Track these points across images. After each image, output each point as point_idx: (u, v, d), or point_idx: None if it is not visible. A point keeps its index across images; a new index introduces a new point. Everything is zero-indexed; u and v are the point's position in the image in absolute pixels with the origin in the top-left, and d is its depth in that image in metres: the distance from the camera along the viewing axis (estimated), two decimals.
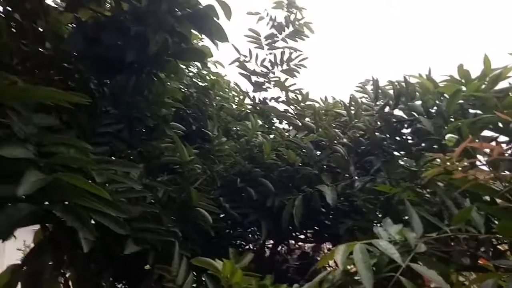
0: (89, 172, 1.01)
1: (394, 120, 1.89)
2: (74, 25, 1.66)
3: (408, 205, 1.21)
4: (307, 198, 1.88)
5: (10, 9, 1.96)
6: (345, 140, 2.00)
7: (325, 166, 1.99)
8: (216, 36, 1.40)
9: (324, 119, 2.16)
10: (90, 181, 0.92)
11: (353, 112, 2.16)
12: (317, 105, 2.59)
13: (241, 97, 2.91)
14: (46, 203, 0.88)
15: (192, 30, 1.45)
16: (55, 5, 1.98)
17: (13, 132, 0.93)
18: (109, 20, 1.47)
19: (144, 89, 1.61)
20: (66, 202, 0.88)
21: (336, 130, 2.10)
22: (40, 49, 1.78)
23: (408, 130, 1.88)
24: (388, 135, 1.89)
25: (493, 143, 1.27)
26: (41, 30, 1.73)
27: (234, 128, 2.47)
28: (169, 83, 2.22)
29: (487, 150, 0.99)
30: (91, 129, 1.38)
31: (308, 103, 2.47)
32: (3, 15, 2.03)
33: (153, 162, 2.00)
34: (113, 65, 1.45)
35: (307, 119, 2.50)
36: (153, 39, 1.43)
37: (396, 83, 1.91)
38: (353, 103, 2.35)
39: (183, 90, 2.51)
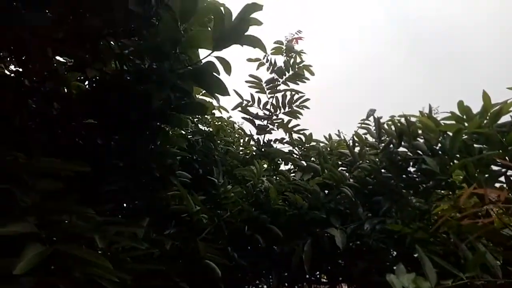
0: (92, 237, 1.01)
1: (399, 158, 1.88)
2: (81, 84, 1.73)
3: (420, 252, 1.18)
4: (316, 241, 1.86)
5: (20, 69, 2.06)
6: (351, 181, 1.99)
7: (333, 208, 1.96)
8: (216, 90, 1.44)
9: (329, 160, 2.16)
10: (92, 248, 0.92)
11: (357, 150, 2.16)
12: (321, 144, 2.61)
13: (246, 139, 2.94)
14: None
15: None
16: (64, 60, 2.08)
17: (17, 202, 0.94)
18: (114, 81, 1.53)
19: (149, 143, 1.64)
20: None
21: (342, 169, 2.09)
22: (48, 107, 1.85)
23: (414, 168, 1.88)
24: (394, 174, 1.87)
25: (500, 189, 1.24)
26: (49, 89, 1.81)
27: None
28: (174, 132, 2.27)
29: (494, 196, 0.97)
30: (96, 190, 1.39)
31: (312, 143, 2.48)
32: (12, 74, 2.13)
33: (160, 212, 2.01)
34: (119, 123, 1.49)
35: (312, 158, 2.51)
36: (156, 96, 1.48)
37: (397, 122, 1.93)
38: (357, 140, 2.36)
39: (188, 137, 2.55)
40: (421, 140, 1.83)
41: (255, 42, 1.33)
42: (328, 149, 2.62)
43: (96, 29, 1.83)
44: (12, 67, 2.18)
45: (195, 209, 1.74)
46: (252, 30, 1.36)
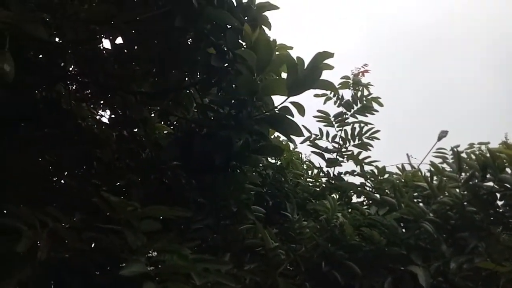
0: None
1: (484, 192, 1.78)
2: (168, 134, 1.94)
3: None
4: (397, 278, 1.80)
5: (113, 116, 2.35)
6: (431, 215, 1.91)
7: (413, 244, 1.90)
8: (292, 132, 1.53)
9: (405, 193, 2.10)
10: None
11: (434, 182, 2.09)
12: (394, 176, 2.55)
13: (315, 171, 2.97)
14: None
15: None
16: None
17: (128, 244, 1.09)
18: (198, 129, 1.70)
19: (230, 183, 1.76)
20: None
21: (421, 204, 2.03)
22: (140, 153, 2.09)
23: (502, 202, 1.76)
24: (479, 209, 1.77)
25: None
26: (141, 138, 2.05)
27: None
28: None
29: None
30: (186, 229, 1.53)
31: (385, 176, 2.44)
32: (107, 122, 2.42)
33: (237, 246, 2.10)
34: (203, 166, 1.64)
35: (386, 191, 2.46)
36: (235, 140, 1.61)
37: (479, 153, 1.84)
38: (434, 171, 2.27)
39: (260, 171, 2.66)
40: (509, 172, 1.73)
41: (328, 86, 1.40)
42: (402, 180, 2.55)
43: (178, 81, 2.05)
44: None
45: (272, 245, 1.80)
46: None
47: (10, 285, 1.10)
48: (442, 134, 2.90)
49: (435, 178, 2.27)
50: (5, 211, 1.20)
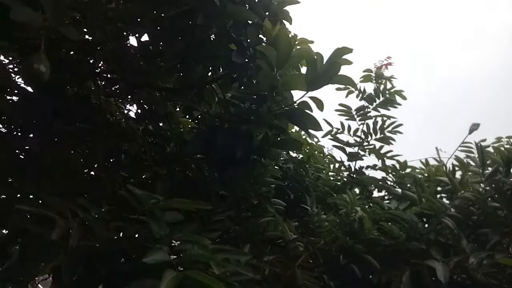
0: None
1: (508, 188, 1.75)
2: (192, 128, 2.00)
3: None
4: (416, 273, 1.80)
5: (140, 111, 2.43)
6: (453, 210, 1.90)
7: (433, 240, 1.89)
8: (310, 126, 1.55)
9: (427, 188, 2.09)
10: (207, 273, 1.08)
11: (458, 176, 2.06)
12: (417, 170, 2.52)
13: (337, 165, 2.97)
14: None
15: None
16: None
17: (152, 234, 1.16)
18: (220, 123, 1.75)
19: (250, 176, 1.81)
20: None
21: (442, 200, 2.01)
22: (165, 146, 2.17)
23: None
24: (503, 205, 1.74)
25: None
26: (166, 132, 2.13)
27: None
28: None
29: None
30: (208, 220, 1.59)
31: (407, 170, 2.42)
32: (134, 117, 2.52)
33: (257, 238, 2.16)
34: (225, 160, 1.69)
35: (408, 185, 2.44)
36: (256, 134, 1.65)
37: (503, 147, 1.81)
38: (457, 164, 2.24)
39: (281, 165, 2.70)
40: None
41: (346, 81, 1.42)
42: (425, 175, 2.52)
43: (201, 76, 2.10)
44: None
45: (291, 237, 1.85)
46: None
47: (46, 269, 1.20)
48: (474, 127, 2.79)
49: (460, 172, 2.24)
50: (40, 201, 1.30)
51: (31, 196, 1.78)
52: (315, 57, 1.40)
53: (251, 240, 2.03)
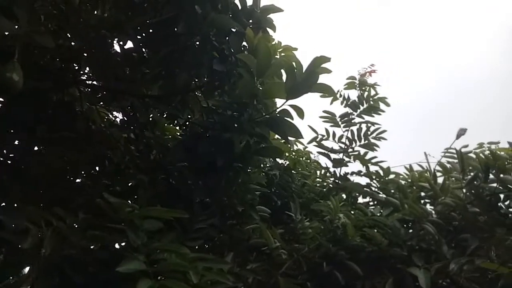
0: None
1: (487, 193, 1.77)
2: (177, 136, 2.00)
3: None
4: (398, 280, 1.81)
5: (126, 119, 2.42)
6: (434, 216, 1.92)
7: (415, 246, 1.90)
8: (290, 134, 1.56)
9: (409, 194, 2.11)
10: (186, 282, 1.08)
11: (441, 181, 2.08)
12: (401, 176, 2.55)
13: (323, 171, 2.99)
14: None
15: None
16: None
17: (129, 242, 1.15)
18: (203, 131, 1.75)
19: (233, 183, 1.81)
20: None
21: (424, 206, 2.03)
22: (149, 154, 2.15)
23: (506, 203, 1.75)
24: (482, 210, 1.76)
25: None
26: (149, 139, 2.12)
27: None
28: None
29: None
30: (190, 228, 1.58)
31: (391, 176, 2.44)
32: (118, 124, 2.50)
33: (242, 245, 2.15)
34: (207, 166, 1.69)
35: (392, 190, 2.46)
36: (237, 142, 1.65)
37: (481, 155, 1.84)
38: (440, 170, 2.28)
39: (267, 171, 2.70)
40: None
41: (326, 90, 1.43)
42: (409, 180, 2.54)
43: (185, 84, 2.11)
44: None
45: (274, 245, 1.84)
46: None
47: (28, 279, 1.18)
48: (461, 132, 2.82)
49: (443, 178, 2.27)
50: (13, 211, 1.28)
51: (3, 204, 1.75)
52: (294, 65, 1.41)
53: (236, 248, 2.02)
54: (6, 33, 1.16)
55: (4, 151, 2.27)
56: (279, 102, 1.67)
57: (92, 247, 1.18)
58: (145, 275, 1.02)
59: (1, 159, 2.16)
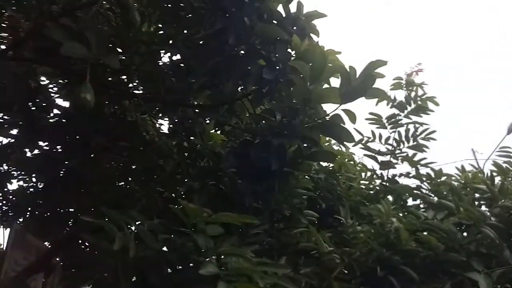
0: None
1: None
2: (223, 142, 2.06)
3: None
4: (457, 285, 1.76)
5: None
6: (493, 219, 1.84)
7: (473, 250, 1.84)
8: (344, 139, 1.57)
9: (464, 196, 2.04)
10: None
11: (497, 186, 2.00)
12: (453, 178, 2.47)
13: (368, 173, 2.94)
14: None
15: None
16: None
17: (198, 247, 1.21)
18: (252, 138, 1.79)
19: (284, 189, 1.84)
20: None
21: (483, 208, 1.96)
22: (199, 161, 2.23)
23: None
24: None
25: None
26: (199, 147, 2.20)
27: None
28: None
29: None
30: (246, 233, 1.63)
31: (443, 178, 2.37)
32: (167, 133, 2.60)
33: (290, 249, 2.17)
34: (259, 173, 1.73)
35: (444, 192, 2.39)
36: (289, 147, 1.68)
37: None
38: (495, 170, 2.18)
39: (312, 175, 2.70)
40: None
41: (381, 95, 1.43)
42: (462, 182, 2.46)
43: (232, 92, 2.16)
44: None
45: (327, 249, 1.85)
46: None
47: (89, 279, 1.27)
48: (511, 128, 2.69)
49: (499, 179, 2.17)
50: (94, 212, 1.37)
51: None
52: (349, 70, 1.42)
53: (285, 252, 2.05)
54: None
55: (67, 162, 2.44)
56: (329, 106, 1.68)
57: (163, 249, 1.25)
58: (218, 278, 1.07)
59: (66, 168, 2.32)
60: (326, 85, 1.63)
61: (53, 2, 1.89)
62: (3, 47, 2.22)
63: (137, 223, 1.19)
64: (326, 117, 1.59)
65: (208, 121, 2.46)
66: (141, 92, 2.41)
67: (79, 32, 1.26)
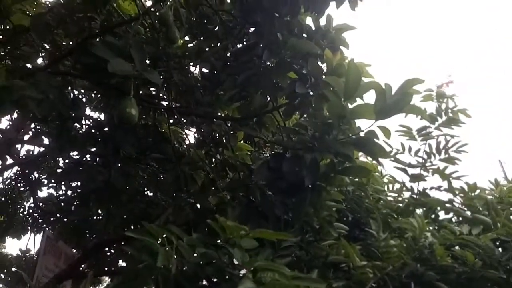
0: None
1: None
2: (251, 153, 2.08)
3: None
4: None
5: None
6: None
7: None
8: (379, 155, 1.56)
9: (501, 212, 1.99)
10: None
11: None
12: (487, 192, 2.40)
13: (397, 186, 2.90)
14: None
15: None
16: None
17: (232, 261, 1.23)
18: (284, 151, 1.81)
19: (315, 202, 1.84)
20: None
21: None
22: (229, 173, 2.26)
23: None
24: None
25: None
26: (230, 159, 2.23)
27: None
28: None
29: None
30: (278, 246, 1.63)
31: (477, 192, 2.32)
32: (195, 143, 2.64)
33: (319, 261, 2.16)
34: (292, 186, 1.74)
35: (479, 207, 2.33)
36: (322, 162, 1.68)
37: None
38: None
39: (341, 188, 2.68)
40: None
41: (417, 111, 1.42)
42: (497, 195, 2.40)
43: (261, 105, 2.19)
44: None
45: (359, 263, 1.83)
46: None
47: None
48: None
49: None
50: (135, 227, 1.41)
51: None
52: (384, 87, 1.42)
53: (314, 264, 2.03)
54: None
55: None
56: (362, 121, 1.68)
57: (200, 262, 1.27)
58: None
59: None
60: (359, 100, 1.62)
61: (93, 19, 1.97)
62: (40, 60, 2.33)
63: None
64: (361, 133, 1.58)
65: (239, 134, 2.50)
66: (171, 104, 2.46)
67: (123, 48, 1.31)
